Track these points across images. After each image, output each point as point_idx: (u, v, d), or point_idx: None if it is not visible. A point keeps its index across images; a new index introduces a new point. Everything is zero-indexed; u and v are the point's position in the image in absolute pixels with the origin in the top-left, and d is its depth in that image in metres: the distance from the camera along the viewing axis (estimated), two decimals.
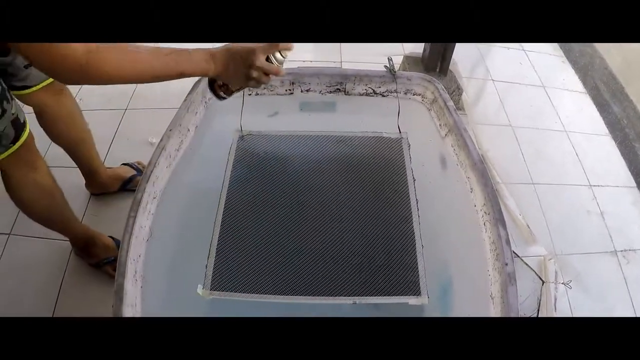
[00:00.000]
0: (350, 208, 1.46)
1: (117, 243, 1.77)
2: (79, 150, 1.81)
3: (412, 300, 1.25)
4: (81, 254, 1.79)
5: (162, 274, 1.25)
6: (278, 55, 1.11)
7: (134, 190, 1.96)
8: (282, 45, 1.10)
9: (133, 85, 2.54)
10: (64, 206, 1.58)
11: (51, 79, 1.49)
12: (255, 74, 1.08)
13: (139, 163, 2.08)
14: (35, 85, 1.47)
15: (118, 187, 2.00)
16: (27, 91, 1.47)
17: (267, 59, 1.10)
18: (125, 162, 2.08)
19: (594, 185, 2.30)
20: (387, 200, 1.48)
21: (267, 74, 1.11)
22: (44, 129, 1.66)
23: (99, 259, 1.75)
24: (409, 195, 1.49)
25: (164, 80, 1.00)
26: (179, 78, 1.02)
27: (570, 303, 1.87)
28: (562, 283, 1.90)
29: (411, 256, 1.34)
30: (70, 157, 1.82)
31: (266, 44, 1.07)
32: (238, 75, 1.09)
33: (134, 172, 2.03)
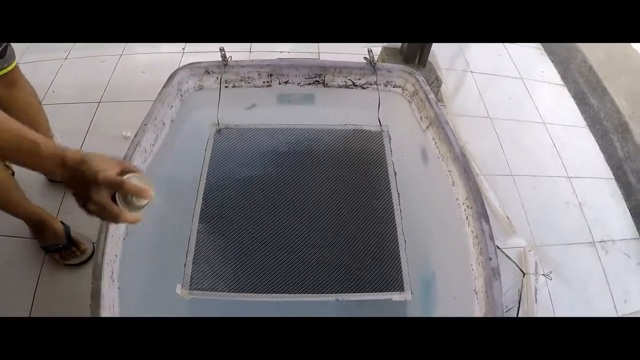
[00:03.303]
0: (332, 203, 1.44)
1: (67, 229, 1.77)
2: None
3: (395, 296, 1.24)
4: (33, 236, 1.80)
5: (140, 274, 1.22)
6: (130, 197, 0.86)
7: None
8: (129, 187, 0.83)
9: (107, 78, 2.48)
10: (11, 192, 1.57)
11: (3, 70, 1.47)
12: (93, 207, 0.84)
13: None
14: None
15: None
16: None
17: (114, 197, 0.85)
18: None
19: (573, 177, 2.32)
20: (368, 194, 1.46)
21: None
22: None
23: (48, 243, 1.76)
24: (390, 190, 1.47)
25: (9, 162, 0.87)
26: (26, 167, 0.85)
27: (551, 294, 1.88)
28: (543, 274, 1.91)
29: (394, 251, 1.33)
30: None
31: (116, 177, 0.83)
32: (77, 199, 0.86)
33: None
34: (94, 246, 1.80)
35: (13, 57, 1.51)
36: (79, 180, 0.83)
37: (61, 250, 1.75)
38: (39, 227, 1.74)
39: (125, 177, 0.84)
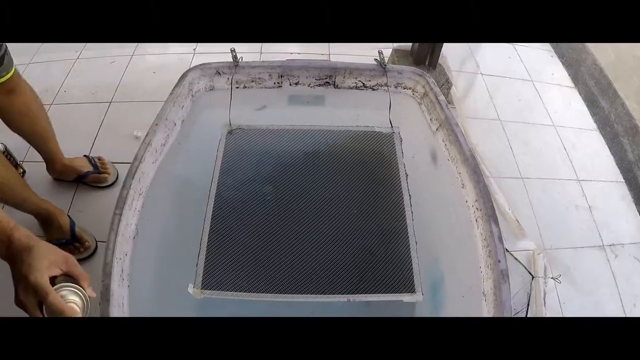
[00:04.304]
0: (343, 204, 1.44)
1: (72, 225, 1.80)
2: (34, 142, 1.84)
3: (406, 298, 1.24)
4: (41, 229, 1.82)
5: (151, 273, 1.22)
6: (66, 290, 0.78)
7: (90, 185, 2.01)
8: (51, 304, 0.76)
9: (118, 78, 2.50)
10: (15, 190, 1.61)
11: (1, 79, 1.51)
12: (22, 295, 0.77)
13: (99, 159, 2.07)
14: None
15: (73, 178, 2.01)
16: None
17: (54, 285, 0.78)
18: (86, 154, 2.08)
19: (583, 180, 2.30)
20: (380, 196, 1.46)
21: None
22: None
23: (53, 238, 1.78)
24: (401, 191, 1.47)
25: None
26: None
27: (560, 298, 1.87)
28: (552, 277, 1.90)
29: (405, 253, 1.33)
30: (30, 144, 1.86)
31: (44, 287, 0.77)
32: (14, 280, 0.78)
33: (90, 167, 2.02)
34: (97, 243, 1.83)
35: (11, 64, 1.53)
36: (15, 268, 0.78)
37: (64, 245, 1.76)
38: (46, 221, 1.78)
39: (57, 286, 0.78)
